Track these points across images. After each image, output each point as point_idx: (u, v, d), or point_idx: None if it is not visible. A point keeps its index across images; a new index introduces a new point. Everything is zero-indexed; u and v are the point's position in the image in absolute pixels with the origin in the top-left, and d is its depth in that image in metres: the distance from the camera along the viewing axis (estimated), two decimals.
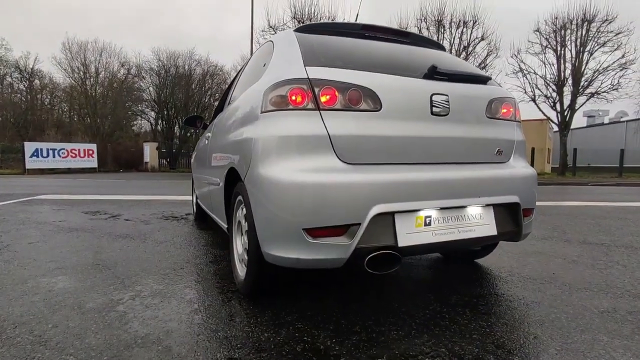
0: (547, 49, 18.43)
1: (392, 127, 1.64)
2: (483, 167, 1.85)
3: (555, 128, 19.94)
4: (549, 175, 17.88)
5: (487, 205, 1.79)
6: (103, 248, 2.88)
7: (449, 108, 1.76)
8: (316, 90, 1.57)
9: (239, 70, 2.92)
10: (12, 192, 7.34)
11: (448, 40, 18.02)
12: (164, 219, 4.26)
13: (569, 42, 18.03)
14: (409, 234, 1.58)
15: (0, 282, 2.09)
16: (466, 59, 17.76)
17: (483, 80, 2.00)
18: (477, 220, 1.76)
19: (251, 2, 16.19)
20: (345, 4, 33.23)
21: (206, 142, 3.04)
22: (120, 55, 28.60)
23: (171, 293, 1.94)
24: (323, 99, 1.57)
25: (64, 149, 18.13)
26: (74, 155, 18.32)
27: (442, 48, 2.43)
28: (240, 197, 1.93)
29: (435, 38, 17.88)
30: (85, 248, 2.88)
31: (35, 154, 17.04)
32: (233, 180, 2.07)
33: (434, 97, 1.73)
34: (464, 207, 1.72)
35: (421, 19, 18.05)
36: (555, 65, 18.41)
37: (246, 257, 1.86)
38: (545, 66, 18.86)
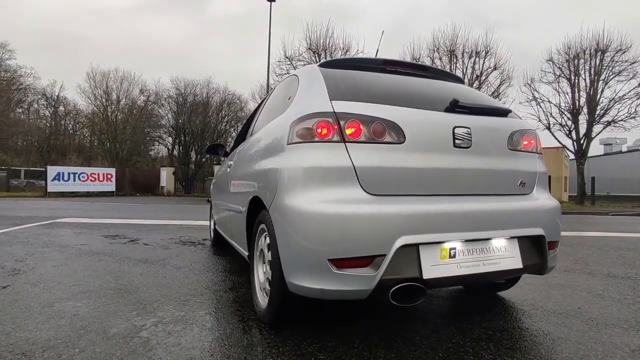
0: (560, 78, 18.47)
1: (415, 159, 1.67)
2: (506, 199, 1.85)
3: (572, 156, 19.67)
4: (567, 204, 17.47)
5: (512, 237, 1.77)
6: (124, 272, 2.93)
7: (471, 140, 1.79)
8: (342, 123, 1.62)
9: (261, 102, 3.01)
10: (35, 215, 7.55)
11: (461, 70, 18.24)
12: (181, 244, 4.32)
13: (583, 71, 18.04)
14: (433, 266, 1.57)
15: (28, 305, 2.14)
16: (479, 88, 17.90)
17: (504, 113, 2.03)
18: (502, 252, 1.74)
19: (268, 35, 16.87)
20: (360, 36, 34.23)
21: (228, 170, 3.10)
22: (140, 82, 29.84)
23: (192, 320, 1.95)
24: (348, 131, 1.62)
25: (84, 173, 18.65)
26: (93, 179, 18.80)
27: (460, 81, 2.48)
28: (263, 226, 1.94)
29: (447, 68, 18.18)
30: (107, 272, 2.94)
31: (57, 177, 17.55)
32: (256, 209, 2.09)
33: (456, 130, 1.77)
34: (488, 239, 1.72)
35: (434, 50, 18.40)
36: (570, 94, 18.37)
37: (268, 286, 1.86)
38: (559, 95, 18.74)
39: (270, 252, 1.80)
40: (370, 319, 2.02)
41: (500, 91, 17.87)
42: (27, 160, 29.04)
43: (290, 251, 1.60)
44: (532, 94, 18.79)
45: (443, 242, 1.61)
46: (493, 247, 1.73)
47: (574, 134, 18.45)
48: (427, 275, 1.54)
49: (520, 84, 20.65)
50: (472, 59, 18.10)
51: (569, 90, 18.39)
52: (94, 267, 3.10)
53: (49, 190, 17.14)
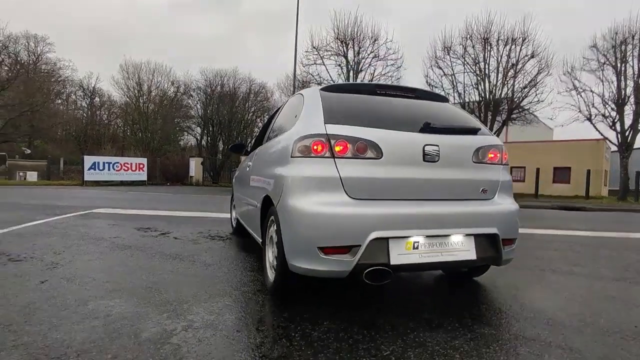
0: (605, 65, 17.30)
1: (390, 171, 2.08)
2: (467, 204, 2.22)
3: (613, 148, 18.51)
4: (607, 200, 16.49)
5: (469, 234, 2.14)
6: (155, 269, 2.96)
7: (438, 156, 2.15)
8: (332, 142, 2.04)
9: (277, 110, 3.47)
10: (73, 205, 7.88)
11: (495, 58, 17.38)
12: (210, 239, 4.35)
13: (631, 57, 16.82)
14: (399, 255, 1.99)
15: (65, 301, 2.19)
16: (514, 77, 17.06)
17: (473, 131, 2.38)
18: (459, 246, 2.12)
19: (296, 24, 16.71)
20: (388, 25, 33.31)
21: (247, 169, 3.54)
22: (170, 74, 30.52)
23: (222, 325, 1.92)
24: (337, 149, 2.04)
25: (117, 162, 19.35)
26: (126, 168, 19.48)
27: (445, 100, 2.82)
28: (272, 218, 2.40)
29: (480, 56, 17.45)
30: (138, 268, 2.98)
31: (92, 167, 18.30)
32: (267, 204, 2.52)
33: (426, 147, 2.14)
34: (447, 235, 2.10)
35: (466, 37, 17.63)
36: (615, 83, 17.20)
37: (275, 264, 2.32)
38: (602, 84, 17.55)
39: (276, 239, 2.25)
40: (383, 317, 1.92)
41: (537, 80, 16.91)
42: (65, 149, 30.47)
43: (290, 239, 2.05)
44: (572, 82, 17.77)
45: (409, 237, 2.01)
46: (451, 241, 2.11)
47: (618, 125, 17.32)
48: (394, 261, 1.96)
49: (560, 72, 19.33)
50: (508, 47, 17.19)
51: (614, 78, 17.23)
52: (127, 262, 3.15)
53: (85, 179, 17.92)
